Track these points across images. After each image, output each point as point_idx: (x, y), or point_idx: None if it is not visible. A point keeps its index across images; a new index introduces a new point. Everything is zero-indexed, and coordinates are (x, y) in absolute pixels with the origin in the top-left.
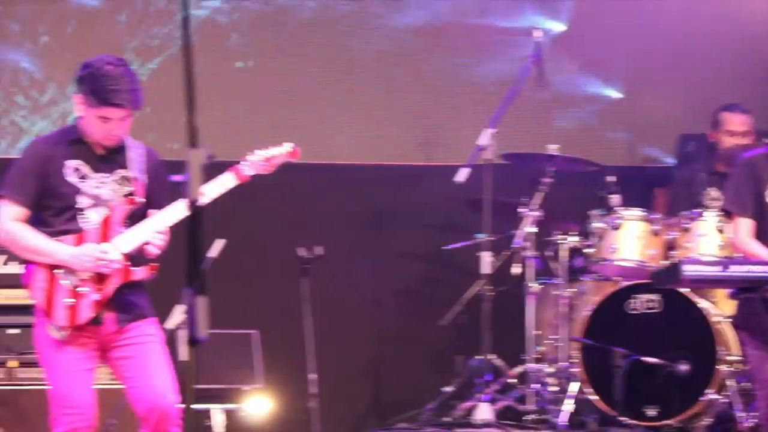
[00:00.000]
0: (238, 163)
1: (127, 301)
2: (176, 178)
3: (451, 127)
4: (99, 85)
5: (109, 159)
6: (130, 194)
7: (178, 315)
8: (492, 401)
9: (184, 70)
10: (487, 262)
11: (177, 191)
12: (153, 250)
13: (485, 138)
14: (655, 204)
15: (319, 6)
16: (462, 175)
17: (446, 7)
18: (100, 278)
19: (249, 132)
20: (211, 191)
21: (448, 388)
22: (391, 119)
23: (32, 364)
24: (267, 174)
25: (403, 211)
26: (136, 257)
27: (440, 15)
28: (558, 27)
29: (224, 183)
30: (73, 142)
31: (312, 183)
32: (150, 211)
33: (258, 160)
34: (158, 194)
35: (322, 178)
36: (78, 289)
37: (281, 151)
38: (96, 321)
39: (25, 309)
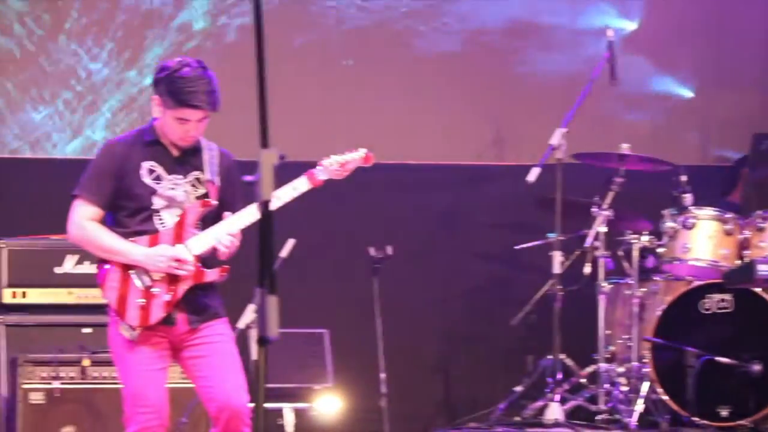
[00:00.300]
0: (311, 163)
1: (199, 301)
2: (248, 178)
3: (523, 127)
4: (176, 87)
5: (184, 161)
6: (204, 196)
7: (249, 314)
8: (562, 401)
9: (257, 70)
10: (558, 261)
11: (249, 192)
12: (224, 251)
13: (557, 137)
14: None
15: (389, 6)
16: (533, 175)
17: (518, 7)
18: (172, 279)
19: (321, 132)
20: (284, 195)
21: (519, 388)
22: (463, 119)
23: (105, 363)
24: (339, 179)
25: (475, 211)
26: (209, 259)
27: (512, 14)
28: (630, 26)
29: (298, 187)
30: (149, 143)
31: (383, 182)
32: (225, 213)
33: (332, 165)
34: (231, 196)
35: (393, 178)
36: (150, 289)
37: (355, 157)
38: (168, 321)
39: (98, 308)
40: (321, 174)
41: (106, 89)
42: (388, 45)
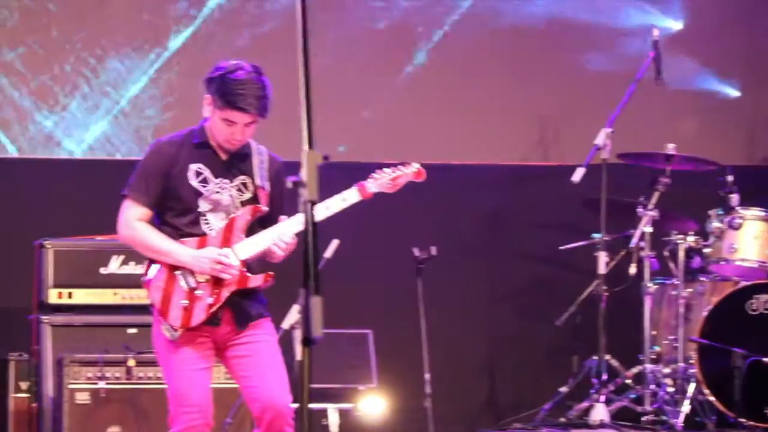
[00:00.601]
0: (357, 164)
1: (244, 302)
2: (292, 178)
3: (568, 127)
4: (227, 88)
5: (231, 165)
6: (252, 201)
7: (293, 315)
8: (608, 402)
9: (302, 71)
10: (603, 262)
11: (295, 193)
12: (278, 253)
13: (602, 137)
14: None
15: (429, 5)
16: (578, 175)
17: (563, 6)
18: (216, 283)
19: (368, 132)
20: (333, 205)
21: (564, 389)
22: (508, 119)
23: (150, 363)
24: (390, 193)
25: (519, 211)
26: (255, 265)
27: (557, 13)
28: (675, 25)
29: (347, 198)
30: (198, 145)
31: (428, 183)
32: (281, 217)
33: (383, 179)
34: (279, 200)
35: (438, 178)
36: (194, 291)
37: (406, 172)
38: (213, 321)
39: (143, 309)
40: (371, 187)
41: (159, 91)
42: (433, 45)
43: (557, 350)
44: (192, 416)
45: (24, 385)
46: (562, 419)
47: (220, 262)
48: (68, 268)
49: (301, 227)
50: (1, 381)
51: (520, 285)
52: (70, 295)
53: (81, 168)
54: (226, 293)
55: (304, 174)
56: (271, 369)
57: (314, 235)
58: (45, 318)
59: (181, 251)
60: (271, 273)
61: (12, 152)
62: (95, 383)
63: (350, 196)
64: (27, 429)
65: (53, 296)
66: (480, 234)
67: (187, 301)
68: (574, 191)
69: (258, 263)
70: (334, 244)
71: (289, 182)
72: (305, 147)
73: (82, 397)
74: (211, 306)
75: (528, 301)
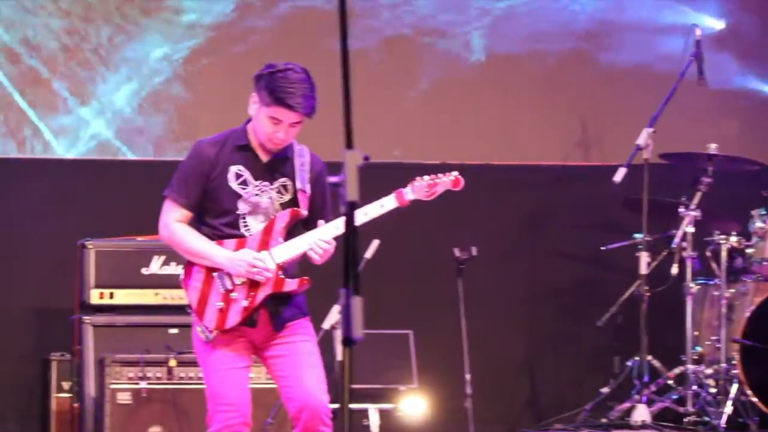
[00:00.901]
0: (396, 165)
1: (282, 304)
2: (332, 179)
3: (610, 127)
4: (276, 85)
5: (272, 167)
6: (292, 204)
7: (334, 315)
8: (649, 403)
9: (342, 71)
10: (644, 262)
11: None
12: (315, 258)
13: (644, 137)
14: None
15: (469, 5)
16: (619, 175)
17: (604, 5)
18: (252, 285)
19: (405, 132)
20: (372, 211)
21: (605, 389)
22: (549, 119)
23: (191, 363)
24: (427, 201)
25: (560, 211)
26: (291, 268)
27: (597, 13)
28: (717, 24)
29: (385, 205)
30: (239, 147)
31: (469, 183)
32: (319, 222)
33: (421, 187)
34: (321, 202)
35: (478, 179)
36: (230, 294)
37: (444, 180)
38: (249, 323)
39: (184, 309)
40: (409, 194)
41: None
42: (468, 48)
43: (598, 351)
44: (229, 415)
45: (66, 384)
46: (604, 420)
47: (255, 266)
48: (110, 268)
49: (338, 232)
50: (44, 381)
51: (561, 285)
52: (111, 296)
53: (123, 168)
54: (261, 296)
55: (344, 175)
56: (307, 369)
57: (355, 235)
58: (87, 318)
59: (218, 253)
60: (307, 278)
61: (58, 153)
62: (137, 383)
63: (388, 203)
64: (69, 428)
65: (95, 296)
66: (521, 234)
67: (222, 303)
68: (615, 191)
69: (296, 266)
70: (375, 244)
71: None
72: (345, 148)
73: (124, 397)
74: (246, 309)
75: (569, 302)
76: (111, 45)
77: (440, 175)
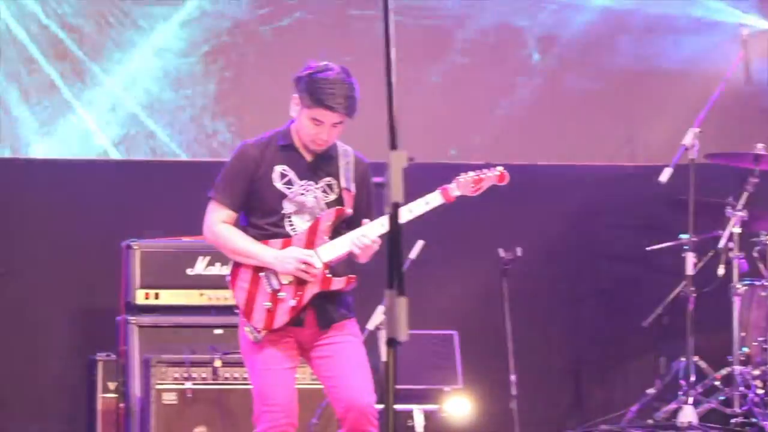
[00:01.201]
0: (441, 165)
1: (328, 304)
2: (377, 179)
3: (655, 127)
4: (317, 87)
5: (317, 167)
6: (337, 203)
7: (378, 315)
8: (696, 404)
9: (385, 70)
10: (691, 262)
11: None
12: (358, 252)
13: (690, 137)
14: None
15: (513, 5)
16: (665, 175)
17: (651, 5)
18: (299, 285)
19: (451, 132)
20: (417, 208)
21: (651, 390)
22: (595, 119)
23: (236, 364)
24: (472, 196)
25: (606, 212)
26: (338, 267)
27: (643, 13)
28: (764, 24)
29: (430, 202)
30: (283, 147)
31: (514, 183)
32: (364, 220)
33: (466, 183)
34: (366, 202)
35: (524, 179)
36: (278, 293)
37: (489, 175)
38: (296, 322)
39: (229, 309)
40: (455, 190)
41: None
42: (516, 45)
43: (644, 351)
44: (275, 415)
45: (112, 385)
46: (650, 421)
47: (304, 262)
48: (155, 269)
49: (383, 230)
50: (90, 381)
51: (606, 286)
52: (156, 296)
53: (169, 169)
54: (308, 295)
55: (389, 175)
56: (354, 369)
57: (399, 236)
58: (132, 319)
59: (265, 252)
60: (354, 276)
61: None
62: (182, 384)
63: (433, 200)
64: (115, 429)
65: (140, 297)
66: (566, 235)
67: (270, 303)
68: (661, 192)
69: (343, 265)
70: (420, 245)
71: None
72: (390, 148)
73: (169, 398)
74: (293, 308)
75: (615, 302)
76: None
77: (485, 170)
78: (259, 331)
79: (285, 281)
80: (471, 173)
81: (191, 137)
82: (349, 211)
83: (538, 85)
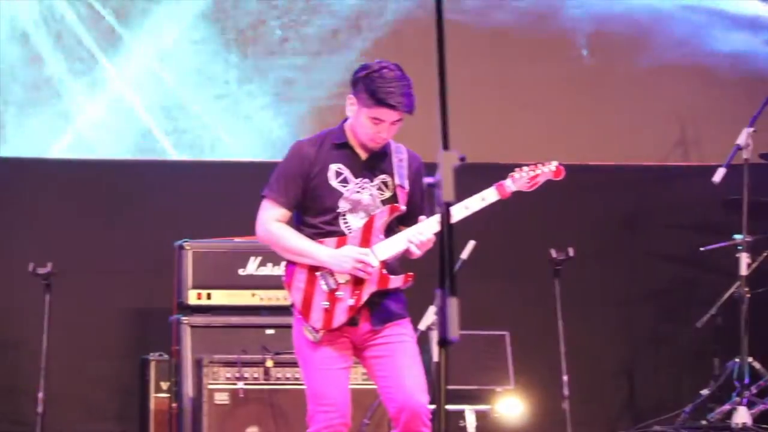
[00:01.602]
0: (493, 165)
1: (383, 303)
2: (428, 180)
3: (709, 126)
4: (375, 86)
5: (372, 164)
6: (392, 200)
7: (430, 316)
8: (750, 405)
9: (438, 71)
10: (744, 263)
11: (432, 194)
12: (415, 251)
13: (744, 137)
14: None
15: (560, 5)
16: (719, 175)
17: (704, 4)
18: (356, 283)
19: (503, 134)
20: (473, 205)
21: (705, 391)
22: (646, 119)
23: (288, 364)
24: (528, 191)
25: (659, 212)
26: (394, 265)
27: (696, 12)
28: None
29: (486, 198)
30: (338, 146)
31: (566, 183)
32: (420, 217)
33: (522, 178)
34: (420, 200)
35: (576, 179)
36: (335, 293)
37: (545, 170)
38: (352, 322)
39: (281, 310)
40: (510, 186)
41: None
42: (566, 46)
43: (698, 352)
44: (330, 415)
45: (164, 385)
46: (704, 422)
47: (361, 261)
48: (207, 269)
49: (438, 227)
50: (142, 381)
51: (659, 286)
52: (208, 296)
53: (221, 169)
54: (366, 294)
55: (440, 175)
56: (408, 369)
57: (450, 236)
58: (185, 319)
59: (320, 251)
60: (411, 273)
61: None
62: (234, 384)
63: (489, 196)
64: (167, 428)
65: (192, 297)
66: (618, 235)
67: (328, 303)
68: (714, 192)
69: (398, 263)
70: (471, 245)
71: (425, 183)
72: (441, 148)
73: (221, 398)
74: (352, 307)
75: (667, 303)
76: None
77: (540, 165)
78: (317, 331)
79: (342, 280)
80: (526, 168)
81: (248, 137)
82: (403, 208)
83: (588, 84)
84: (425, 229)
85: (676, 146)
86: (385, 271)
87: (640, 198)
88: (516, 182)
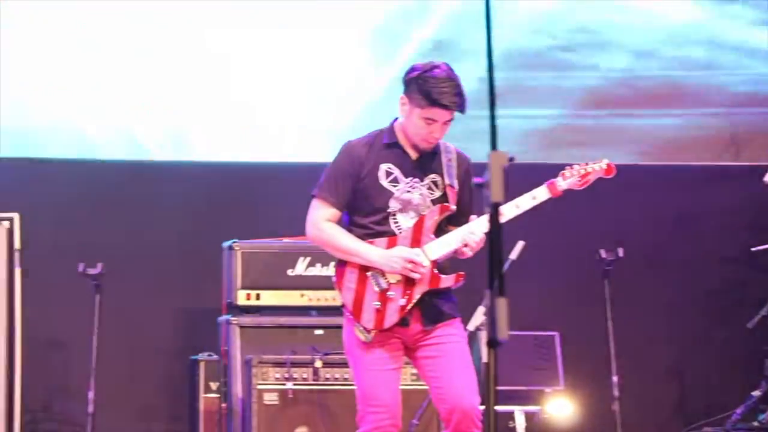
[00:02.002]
0: (542, 165)
1: (433, 303)
2: (477, 180)
3: (761, 126)
4: (428, 87)
5: (422, 164)
6: (442, 200)
7: (479, 316)
8: None
9: (487, 72)
10: None
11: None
12: (467, 252)
13: None
14: None
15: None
16: None
17: (754, 4)
18: (407, 283)
19: (559, 135)
20: (523, 203)
21: (756, 393)
22: (699, 119)
23: (337, 365)
24: (579, 189)
25: (709, 212)
26: (445, 264)
27: (746, 12)
28: None
29: (537, 196)
30: (388, 145)
31: (615, 183)
32: (471, 216)
33: (573, 176)
34: (467, 199)
35: (626, 179)
36: (387, 293)
37: (596, 168)
38: (403, 322)
39: (330, 310)
40: (561, 184)
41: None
42: (614, 46)
43: (749, 353)
44: (380, 416)
45: (214, 385)
46: (755, 423)
47: (411, 261)
48: (256, 269)
49: (486, 227)
50: (192, 381)
51: (710, 287)
52: (257, 297)
53: (269, 170)
54: (418, 294)
55: (489, 175)
56: (459, 370)
57: (499, 236)
58: (234, 319)
59: (371, 251)
60: (463, 273)
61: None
62: (283, 384)
63: (540, 194)
64: (217, 429)
65: (241, 298)
66: (668, 235)
67: (379, 303)
68: (765, 192)
69: (449, 262)
70: (520, 245)
71: (474, 184)
72: (490, 148)
73: (271, 398)
74: (403, 307)
75: (718, 303)
76: None
77: (591, 163)
78: (369, 331)
79: (393, 280)
80: (577, 166)
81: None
82: (453, 207)
83: (639, 85)
84: (477, 229)
85: (728, 146)
86: (436, 271)
87: (690, 198)
88: (567, 180)
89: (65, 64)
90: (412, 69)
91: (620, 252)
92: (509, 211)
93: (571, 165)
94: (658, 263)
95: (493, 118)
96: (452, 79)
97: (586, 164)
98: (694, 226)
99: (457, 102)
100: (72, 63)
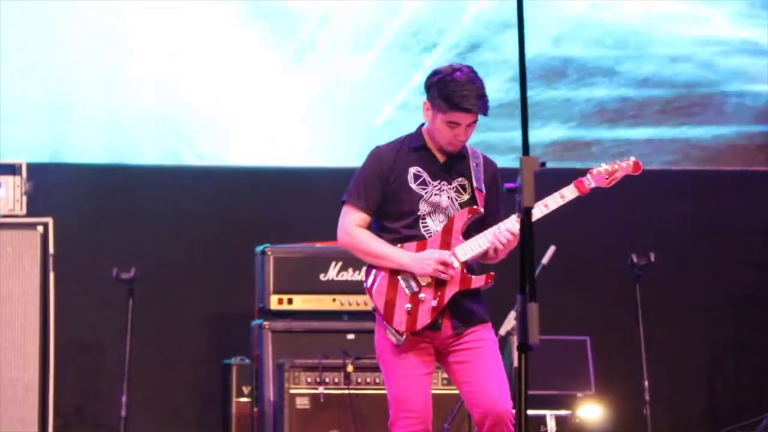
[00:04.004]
0: (569, 170)
1: (464, 306)
2: (509, 185)
3: None
4: (449, 91)
5: (449, 167)
6: (468, 203)
7: (510, 321)
8: None
9: (520, 78)
10: None
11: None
12: (499, 246)
13: None
14: None
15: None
16: None
17: None
18: (438, 285)
19: (584, 138)
20: (551, 203)
21: None
22: (733, 126)
23: (368, 369)
24: (606, 188)
25: (741, 217)
26: (474, 267)
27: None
28: None
29: (566, 195)
30: (415, 149)
31: (646, 188)
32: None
33: (600, 175)
34: (494, 204)
35: (657, 183)
36: (418, 295)
37: (623, 166)
38: (434, 326)
39: (362, 315)
40: (590, 182)
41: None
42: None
43: None
44: (411, 421)
45: (246, 389)
46: None
47: (443, 262)
48: (288, 274)
49: (518, 227)
50: (224, 385)
51: (742, 291)
52: (290, 301)
53: (300, 175)
54: (449, 295)
55: (521, 180)
56: (491, 374)
57: (531, 241)
58: (266, 324)
59: (402, 255)
60: (492, 273)
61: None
62: (315, 388)
63: (568, 193)
64: None
65: (274, 302)
66: (700, 240)
67: (410, 305)
68: None
69: (477, 266)
70: (551, 250)
71: (505, 189)
72: (522, 153)
73: (302, 402)
74: (435, 309)
75: (750, 307)
76: None
77: (618, 161)
78: (401, 334)
79: (423, 283)
80: (604, 165)
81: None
82: (481, 210)
83: (665, 91)
84: (508, 227)
85: (759, 151)
86: (466, 272)
87: (722, 203)
88: (595, 178)
89: (100, 68)
90: (434, 73)
91: (652, 257)
92: (537, 211)
93: (599, 164)
94: (689, 268)
95: (524, 123)
96: (473, 82)
97: (614, 162)
98: (725, 231)
99: (479, 104)
100: (104, 65)
